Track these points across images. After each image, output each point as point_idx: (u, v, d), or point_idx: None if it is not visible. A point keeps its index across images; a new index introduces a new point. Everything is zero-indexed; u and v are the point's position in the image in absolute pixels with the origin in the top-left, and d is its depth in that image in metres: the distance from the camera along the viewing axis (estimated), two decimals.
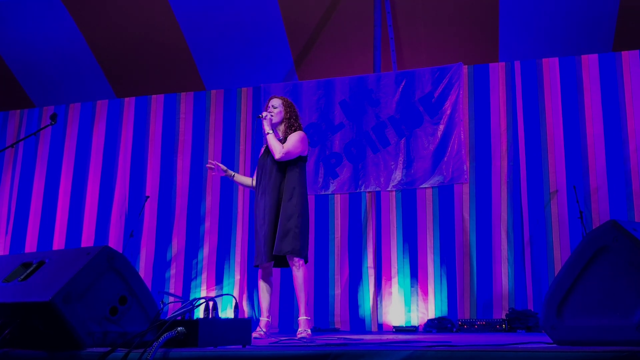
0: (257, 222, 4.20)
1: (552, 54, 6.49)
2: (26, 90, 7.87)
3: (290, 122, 4.34)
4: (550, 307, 2.04)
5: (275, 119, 4.32)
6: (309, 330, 4.09)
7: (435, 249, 6.31)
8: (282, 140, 4.26)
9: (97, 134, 7.52)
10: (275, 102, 4.37)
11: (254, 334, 4.01)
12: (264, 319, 4.16)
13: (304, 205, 4.17)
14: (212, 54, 7.21)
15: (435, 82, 6.56)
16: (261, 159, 4.34)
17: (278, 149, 4.14)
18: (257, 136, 7.02)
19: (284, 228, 4.05)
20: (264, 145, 4.34)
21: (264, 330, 4.13)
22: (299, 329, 4.05)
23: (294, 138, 4.22)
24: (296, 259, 4.06)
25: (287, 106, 4.38)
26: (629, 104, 6.14)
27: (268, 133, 4.20)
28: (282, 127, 4.34)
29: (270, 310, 4.23)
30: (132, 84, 7.56)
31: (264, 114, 4.29)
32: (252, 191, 6.77)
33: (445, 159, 6.40)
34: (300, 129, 4.35)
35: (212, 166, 4.45)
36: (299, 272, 4.09)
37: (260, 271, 4.22)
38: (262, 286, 4.22)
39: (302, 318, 4.08)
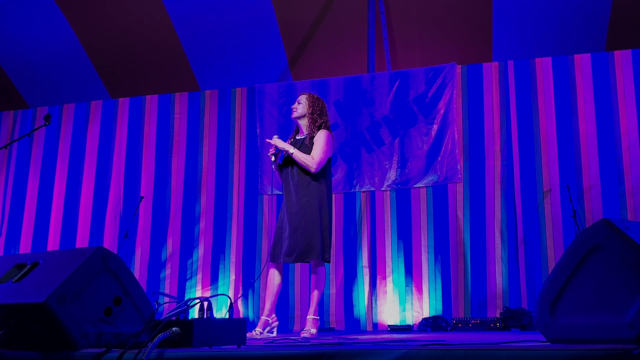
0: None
1: (545, 53, 6.51)
2: (20, 91, 7.85)
3: (314, 118, 4.38)
4: (544, 305, 2.05)
5: (297, 114, 4.41)
6: (314, 330, 4.11)
7: (430, 248, 6.32)
8: (308, 137, 4.32)
9: (92, 134, 7.50)
10: (300, 97, 4.47)
11: (248, 334, 4.05)
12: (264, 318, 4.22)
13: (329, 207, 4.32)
14: (206, 54, 7.20)
15: (429, 82, 6.58)
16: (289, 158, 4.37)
17: (311, 164, 4.20)
18: (251, 137, 7.02)
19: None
20: (275, 169, 4.44)
21: (261, 330, 4.15)
22: (305, 327, 4.14)
23: (320, 143, 4.25)
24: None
25: (311, 102, 4.43)
26: (622, 103, 6.16)
27: (292, 153, 4.27)
28: (305, 122, 4.41)
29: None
30: (126, 85, 7.55)
31: (271, 151, 4.38)
32: (248, 191, 6.85)
33: (439, 158, 6.41)
34: (325, 127, 4.38)
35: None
36: (321, 276, 4.28)
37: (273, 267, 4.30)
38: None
39: (310, 317, 4.19)
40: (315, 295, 4.21)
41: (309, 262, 4.19)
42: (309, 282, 6.51)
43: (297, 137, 4.47)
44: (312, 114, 4.39)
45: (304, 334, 4.01)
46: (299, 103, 4.41)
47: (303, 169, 4.24)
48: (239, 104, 7.19)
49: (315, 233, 4.13)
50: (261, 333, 4.14)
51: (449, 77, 6.52)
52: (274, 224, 6.72)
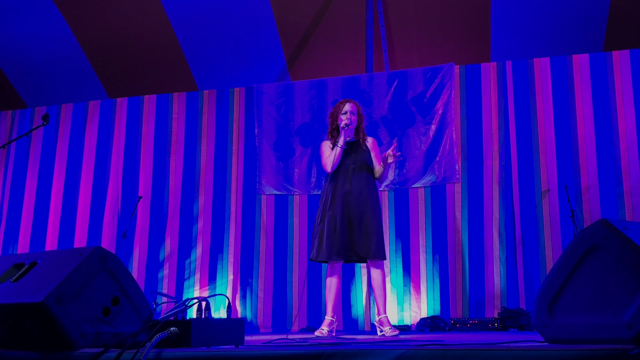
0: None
1: (544, 53, 6.51)
2: (18, 91, 7.84)
3: (363, 126, 4.55)
4: (542, 305, 2.05)
5: (354, 125, 4.45)
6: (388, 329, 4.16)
7: (428, 248, 6.32)
8: (360, 143, 4.47)
9: (90, 134, 7.49)
10: (352, 107, 4.48)
11: (317, 333, 4.15)
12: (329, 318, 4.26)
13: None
14: (204, 54, 7.20)
15: (427, 82, 6.58)
16: (349, 159, 4.42)
17: (386, 176, 4.54)
18: (249, 137, 7.01)
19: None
20: (341, 146, 4.38)
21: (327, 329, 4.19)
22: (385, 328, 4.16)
23: (378, 153, 4.52)
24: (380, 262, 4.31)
25: (359, 110, 4.56)
26: (620, 103, 6.17)
27: (388, 168, 4.42)
28: (359, 132, 4.51)
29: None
30: (124, 85, 7.55)
31: (346, 123, 4.36)
32: (246, 191, 6.85)
33: (438, 158, 6.41)
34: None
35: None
36: (383, 275, 4.32)
37: (329, 267, 4.34)
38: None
39: (383, 316, 4.22)
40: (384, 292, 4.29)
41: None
42: (306, 282, 6.51)
43: (348, 141, 4.49)
44: (361, 122, 4.55)
45: (392, 332, 4.07)
46: (352, 113, 4.44)
47: (366, 168, 4.41)
48: (237, 104, 7.19)
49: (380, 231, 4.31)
50: (330, 332, 4.16)
51: (447, 77, 6.52)
52: (273, 224, 6.75)
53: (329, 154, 4.40)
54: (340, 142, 4.34)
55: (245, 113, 7.10)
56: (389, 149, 4.36)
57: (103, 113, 7.52)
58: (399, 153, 4.39)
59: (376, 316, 4.31)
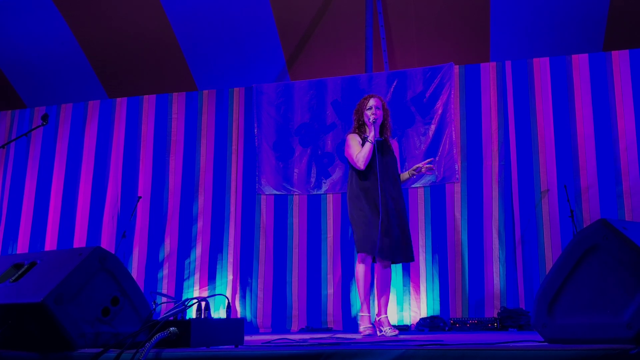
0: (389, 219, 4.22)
1: (543, 53, 6.51)
2: (17, 91, 7.83)
3: (389, 123, 4.48)
4: (542, 305, 2.05)
5: (379, 121, 4.37)
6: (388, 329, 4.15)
7: (427, 248, 6.32)
8: (388, 143, 4.43)
9: (89, 134, 7.49)
10: (378, 102, 4.38)
11: (364, 332, 4.10)
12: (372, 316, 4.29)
13: None
14: (204, 54, 7.20)
15: (427, 82, 6.58)
16: (380, 156, 4.32)
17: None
18: (249, 137, 7.01)
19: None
20: (372, 141, 4.25)
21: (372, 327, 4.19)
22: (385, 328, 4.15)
23: (398, 155, 4.54)
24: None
25: (385, 106, 4.47)
26: (619, 103, 6.17)
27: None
28: (385, 129, 4.46)
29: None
30: (124, 85, 7.54)
31: (375, 118, 4.27)
32: (246, 191, 6.84)
33: (437, 158, 6.41)
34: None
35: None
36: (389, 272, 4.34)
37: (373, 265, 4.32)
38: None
39: (384, 317, 4.22)
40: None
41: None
42: (306, 282, 6.51)
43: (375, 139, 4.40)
44: (387, 118, 4.48)
45: (392, 332, 4.06)
46: (377, 108, 4.34)
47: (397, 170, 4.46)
48: (236, 104, 7.19)
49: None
50: (391, 329, 4.13)
51: (446, 77, 6.52)
52: (273, 224, 6.74)
53: (359, 150, 4.27)
54: (371, 137, 4.23)
55: (245, 113, 7.10)
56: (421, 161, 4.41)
57: (102, 113, 7.52)
58: (433, 167, 4.48)
59: (376, 316, 4.30)
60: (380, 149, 4.36)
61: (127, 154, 7.30)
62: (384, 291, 4.26)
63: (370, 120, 4.26)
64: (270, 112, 6.94)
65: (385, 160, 4.33)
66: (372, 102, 4.35)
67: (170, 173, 7.14)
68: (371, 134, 4.24)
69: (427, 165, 4.38)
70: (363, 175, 4.29)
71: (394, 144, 4.54)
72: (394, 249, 4.17)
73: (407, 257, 4.29)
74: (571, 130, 6.24)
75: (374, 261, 4.28)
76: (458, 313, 6.09)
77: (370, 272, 4.26)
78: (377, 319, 4.24)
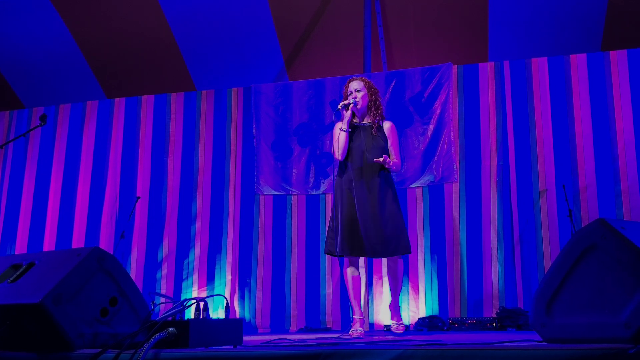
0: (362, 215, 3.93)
1: (541, 53, 6.52)
2: (15, 91, 7.83)
3: (377, 105, 4.07)
4: (540, 305, 2.05)
5: (362, 104, 4.00)
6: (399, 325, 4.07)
7: (426, 248, 6.33)
8: (375, 127, 4.01)
9: (87, 134, 7.49)
10: (357, 84, 4.04)
11: (352, 335, 3.88)
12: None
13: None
14: (202, 54, 7.20)
15: (425, 82, 6.58)
16: (355, 144, 3.99)
17: (397, 165, 4.00)
18: (247, 137, 7.00)
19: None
20: (346, 130, 3.95)
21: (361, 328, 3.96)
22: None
23: (396, 140, 4.09)
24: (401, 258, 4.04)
25: (370, 87, 4.08)
26: (617, 103, 6.18)
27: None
28: (371, 112, 4.06)
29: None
30: (122, 85, 7.54)
31: (350, 101, 3.90)
32: (244, 192, 6.84)
33: (435, 158, 6.42)
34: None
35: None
36: (401, 266, 4.08)
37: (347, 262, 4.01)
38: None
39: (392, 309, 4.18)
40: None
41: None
42: (305, 282, 6.51)
43: (359, 124, 4.09)
44: (375, 100, 4.07)
45: (397, 329, 3.99)
46: (358, 91, 4.02)
47: (379, 167, 3.98)
48: (235, 104, 7.18)
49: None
50: (398, 324, 4.06)
51: (445, 77, 6.52)
52: (271, 224, 6.74)
53: (335, 140, 4.01)
54: (343, 125, 3.93)
55: (243, 113, 7.10)
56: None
57: (101, 113, 7.51)
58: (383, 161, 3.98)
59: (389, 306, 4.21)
60: (359, 135, 4.04)
61: (126, 154, 7.29)
62: (392, 283, 4.09)
63: (339, 106, 3.99)
64: (269, 112, 6.94)
65: (360, 146, 3.99)
66: (352, 85, 4.09)
67: (168, 173, 7.14)
68: (344, 121, 3.96)
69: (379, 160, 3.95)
70: (341, 167, 4.08)
71: (387, 127, 4.16)
72: (358, 243, 3.88)
73: (374, 252, 3.92)
74: (569, 130, 6.24)
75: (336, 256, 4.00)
76: (457, 313, 6.09)
77: (356, 274, 4.04)
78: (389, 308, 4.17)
